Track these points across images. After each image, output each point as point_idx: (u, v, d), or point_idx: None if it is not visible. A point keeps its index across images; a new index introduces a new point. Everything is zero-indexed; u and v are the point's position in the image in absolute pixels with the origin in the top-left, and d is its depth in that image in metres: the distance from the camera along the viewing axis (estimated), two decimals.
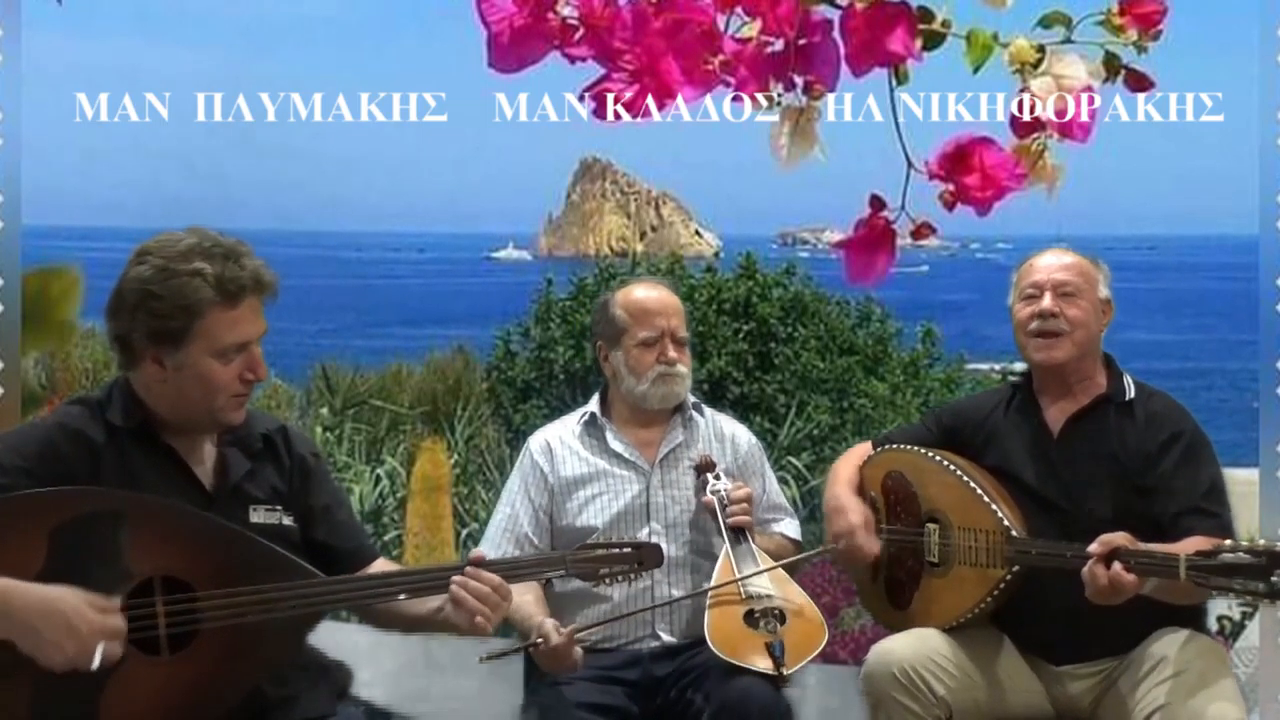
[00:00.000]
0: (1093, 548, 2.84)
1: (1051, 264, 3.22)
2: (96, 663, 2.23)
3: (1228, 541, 2.75)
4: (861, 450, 3.51)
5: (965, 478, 3.19)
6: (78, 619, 2.24)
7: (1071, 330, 3.16)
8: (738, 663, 3.10)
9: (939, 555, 3.23)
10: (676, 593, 3.32)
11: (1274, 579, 2.64)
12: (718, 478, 3.38)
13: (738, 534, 3.32)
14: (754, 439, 3.63)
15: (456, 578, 2.56)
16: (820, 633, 3.25)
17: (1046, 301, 3.17)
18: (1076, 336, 3.16)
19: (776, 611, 3.20)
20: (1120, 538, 2.84)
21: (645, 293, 3.52)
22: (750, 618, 3.18)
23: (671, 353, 3.42)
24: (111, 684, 2.29)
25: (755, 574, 3.25)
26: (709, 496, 3.35)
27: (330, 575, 2.62)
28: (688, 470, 3.44)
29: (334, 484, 2.85)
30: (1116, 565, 2.81)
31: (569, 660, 3.05)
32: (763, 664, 3.10)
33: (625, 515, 3.38)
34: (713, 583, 3.26)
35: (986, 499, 3.13)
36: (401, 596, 2.63)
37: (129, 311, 2.47)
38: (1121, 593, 2.82)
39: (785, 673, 3.10)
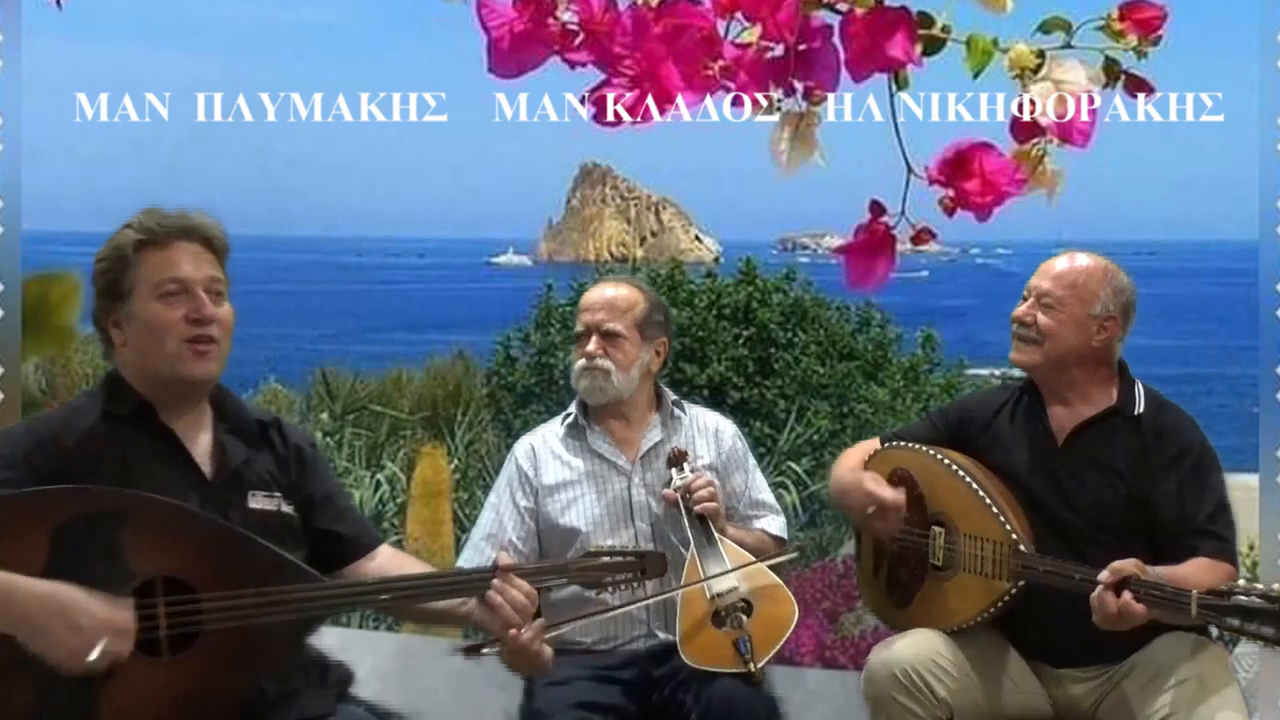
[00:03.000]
0: (1103, 576, 2.82)
1: (1048, 270, 3.22)
2: (94, 656, 2.23)
3: (1241, 582, 2.73)
4: (867, 446, 3.50)
5: (974, 485, 3.18)
6: (80, 614, 2.24)
7: (1041, 340, 3.17)
8: (708, 668, 3.09)
9: (943, 559, 3.23)
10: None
11: None
12: (681, 470, 3.35)
13: (702, 527, 3.28)
14: (737, 431, 3.61)
15: (496, 582, 2.59)
16: (790, 614, 3.21)
17: (1023, 308, 3.21)
18: (1045, 347, 3.17)
19: (741, 604, 3.17)
20: (1130, 565, 2.83)
21: (592, 290, 3.57)
22: (716, 618, 3.16)
23: (590, 346, 3.42)
24: (111, 684, 2.29)
25: (720, 574, 3.20)
26: (670, 491, 3.33)
27: (336, 561, 2.65)
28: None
29: (332, 473, 2.86)
30: (1126, 594, 2.80)
31: (538, 660, 2.74)
32: (733, 665, 3.09)
33: (608, 515, 3.38)
34: (680, 585, 3.23)
35: (995, 510, 3.12)
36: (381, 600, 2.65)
37: (93, 287, 2.57)
38: (1130, 621, 2.82)
39: (755, 668, 3.08)
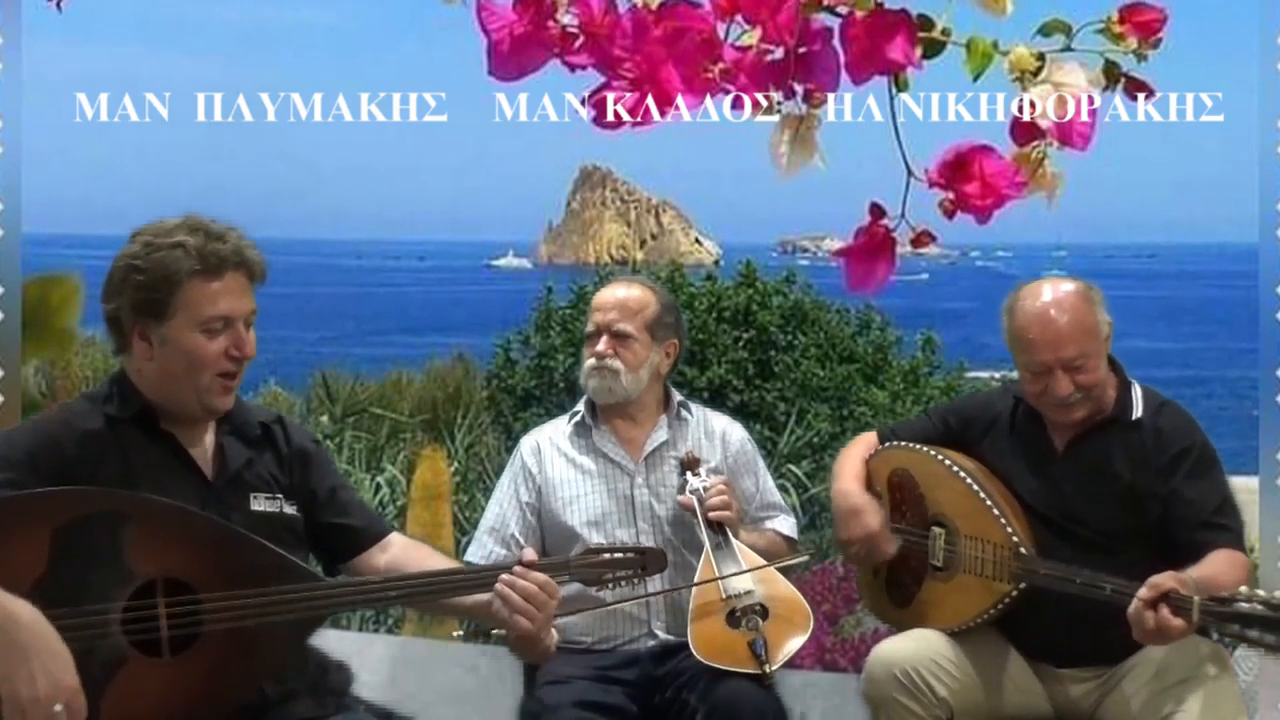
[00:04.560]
0: (1142, 593, 2.76)
1: (1054, 336, 3.04)
2: (59, 708, 2.16)
3: (1243, 589, 2.71)
4: (867, 441, 3.49)
5: (975, 486, 3.17)
6: (65, 672, 2.18)
7: (1088, 391, 3.08)
8: (722, 666, 3.10)
9: (944, 560, 3.23)
10: None
11: None
12: (698, 475, 3.37)
13: (718, 532, 3.30)
14: (746, 435, 3.61)
15: (505, 576, 2.58)
16: (805, 622, 3.23)
17: (1062, 387, 3.04)
18: (1094, 393, 3.10)
19: (758, 608, 3.19)
20: (1168, 579, 2.76)
21: (604, 289, 3.59)
22: (731, 617, 3.18)
23: (600, 346, 3.43)
24: (113, 685, 2.29)
25: (736, 574, 3.22)
26: (687, 496, 3.35)
27: (347, 553, 2.67)
28: (674, 468, 3.44)
29: (336, 468, 2.86)
30: (1165, 609, 2.73)
31: (541, 646, 2.69)
32: (746, 665, 3.10)
33: (610, 514, 3.39)
34: (697, 580, 3.24)
35: (996, 512, 3.11)
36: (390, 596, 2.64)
37: (117, 288, 2.50)
38: (1170, 637, 2.77)
39: (769, 670, 3.10)
